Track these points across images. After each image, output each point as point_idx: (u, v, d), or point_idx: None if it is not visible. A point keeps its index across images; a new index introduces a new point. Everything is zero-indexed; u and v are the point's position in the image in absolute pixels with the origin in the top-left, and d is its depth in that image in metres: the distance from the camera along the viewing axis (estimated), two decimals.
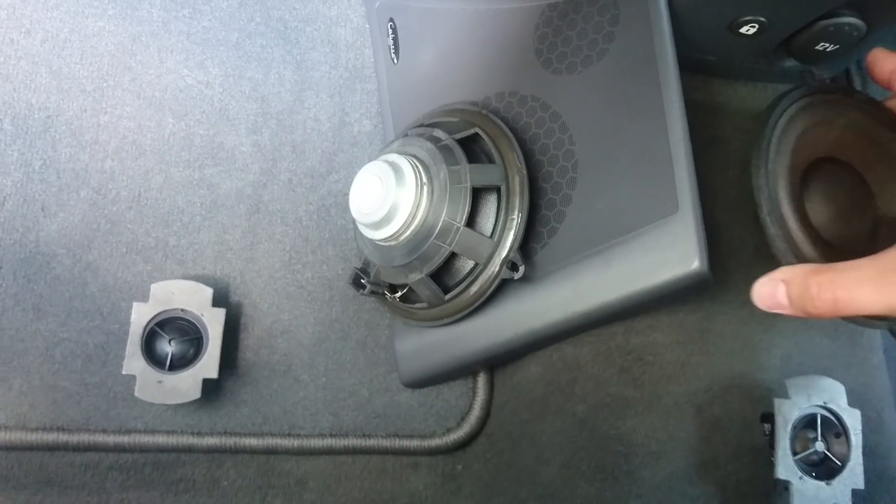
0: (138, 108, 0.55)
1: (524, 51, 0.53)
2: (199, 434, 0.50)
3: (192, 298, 0.49)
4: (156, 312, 0.48)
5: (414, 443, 0.53)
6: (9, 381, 0.49)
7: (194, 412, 0.51)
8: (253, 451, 0.51)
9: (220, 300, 0.51)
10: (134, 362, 0.47)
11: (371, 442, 0.53)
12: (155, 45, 0.56)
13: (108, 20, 0.55)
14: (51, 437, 0.48)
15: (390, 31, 0.58)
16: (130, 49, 0.55)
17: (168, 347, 0.49)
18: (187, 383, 0.48)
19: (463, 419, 0.53)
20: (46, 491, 0.48)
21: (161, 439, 0.50)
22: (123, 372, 0.47)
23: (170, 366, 0.48)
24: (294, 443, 0.51)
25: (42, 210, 0.52)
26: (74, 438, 0.49)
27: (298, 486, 0.52)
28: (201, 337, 0.49)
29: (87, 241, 0.52)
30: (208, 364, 0.48)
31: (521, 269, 0.45)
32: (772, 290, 0.36)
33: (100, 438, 0.49)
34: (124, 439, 0.49)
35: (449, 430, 0.53)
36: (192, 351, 0.49)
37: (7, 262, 0.50)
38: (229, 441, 0.50)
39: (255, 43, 0.58)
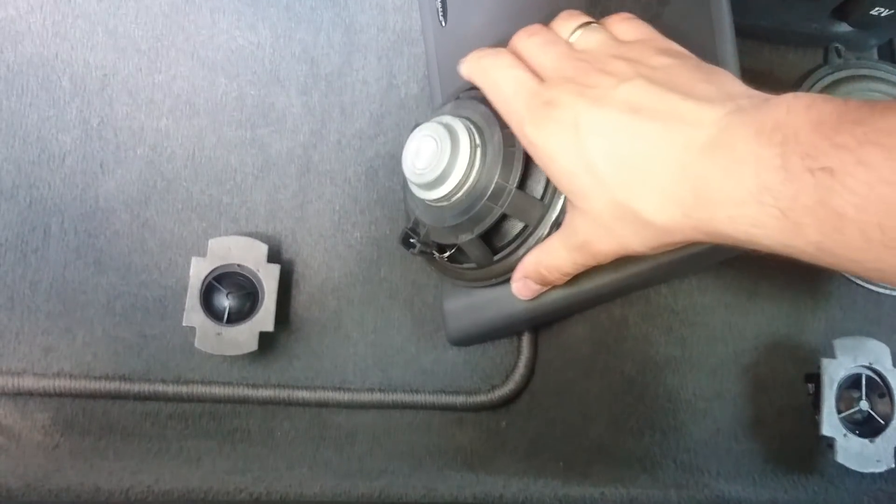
0: (191, 69, 0.56)
1: None
2: (254, 386, 0.52)
3: (248, 254, 0.50)
4: (213, 267, 0.50)
5: (460, 399, 0.54)
6: (73, 332, 0.50)
7: (249, 365, 0.53)
8: (305, 404, 0.53)
9: (273, 257, 0.52)
10: (193, 315, 0.49)
11: (418, 398, 0.54)
12: (207, 6, 0.56)
13: None
14: (113, 386, 0.50)
15: None
16: (184, 9, 0.56)
17: (225, 301, 0.50)
18: (244, 336, 0.49)
19: (508, 377, 0.55)
20: (109, 437, 0.50)
21: (218, 390, 0.51)
22: (184, 324, 0.48)
23: (227, 319, 0.50)
24: (345, 397, 0.53)
25: (101, 167, 0.53)
26: (135, 387, 0.50)
27: (348, 439, 0.53)
28: (257, 292, 0.50)
29: (144, 198, 0.53)
30: (264, 318, 0.49)
31: None
32: (524, 286, 0.45)
33: (160, 388, 0.50)
34: (183, 389, 0.51)
35: (494, 387, 0.55)
36: (248, 305, 0.51)
37: (69, 217, 0.52)
38: (283, 394, 0.52)
39: (305, 5, 0.59)
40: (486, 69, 0.41)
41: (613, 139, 0.33)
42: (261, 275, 0.50)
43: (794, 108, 0.28)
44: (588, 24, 0.40)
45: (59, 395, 0.50)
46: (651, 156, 0.31)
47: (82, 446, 0.49)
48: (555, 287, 0.49)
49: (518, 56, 0.40)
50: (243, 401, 0.52)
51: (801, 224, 0.26)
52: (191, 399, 0.51)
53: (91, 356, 0.50)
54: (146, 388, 0.50)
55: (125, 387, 0.50)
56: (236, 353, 0.49)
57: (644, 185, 0.32)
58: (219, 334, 0.49)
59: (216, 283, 0.50)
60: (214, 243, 0.50)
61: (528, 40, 0.40)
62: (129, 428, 0.51)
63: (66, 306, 0.51)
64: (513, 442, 0.54)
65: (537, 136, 0.36)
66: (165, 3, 0.56)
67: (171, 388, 0.51)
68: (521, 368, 0.54)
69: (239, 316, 0.50)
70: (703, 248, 0.44)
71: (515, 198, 0.45)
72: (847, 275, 0.47)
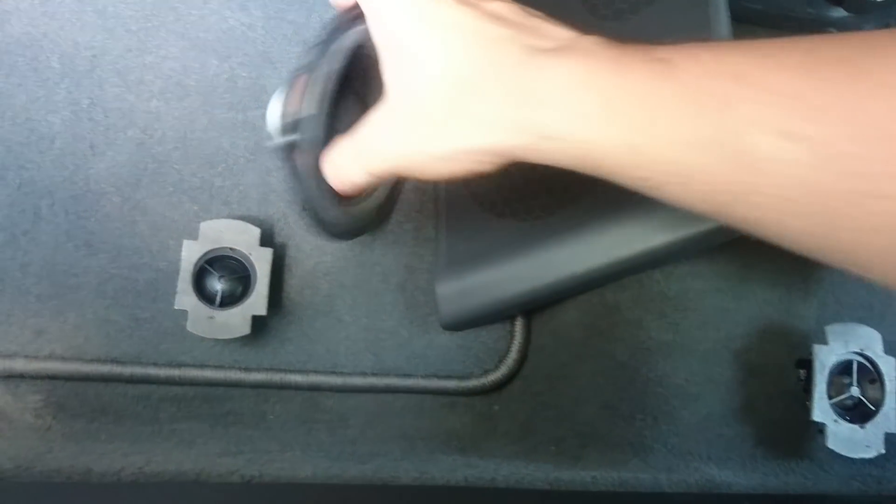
0: (182, 49, 0.55)
1: None
2: (246, 369, 0.52)
3: (241, 237, 0.50)
4: (205, 250, 0.49)
5: (452, 383, 0.54)
6: (64, 315, 0.50)
7: (242, 348, 0.52)
8: (298, 388, 0.53)
9: (265, 241, 0.52)
10: (185, 298, 0.48)
11: (410, 382, 0.54)
12: None
13: None
14: (105, 369, 0.50)
15: None
16: None
17: (218, 285, 0.50)
18: (237, 319, 0.49)
19: (500, 361, 0.55)
20: (101, 420, 0.50)
21: (210, 373, 0.51)
22: (175, 307, 0.48)
23: (220, 302, 0.49)
24: (337, 381, 0.53)
25: (91, 148, 0.52)
26: (128, 370, 0.50)
27: (340, 422, 0.53)
28: (249, 275, 0.50)
29: (135, 180, 0.53)
30: (257, 302, 0.49)
31: None
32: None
33: (152, 371, 0.50)
34: (175, 372, 0.51)
35: (486, 372, 0.55)
36: (240, 289, 0.50)
37: (59, 199, 0.51)
38: (275, 377, 0.52)
39: None
40: None
41: (468, 38, 0.30)
42: (253, 258, 0.50)
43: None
44: None
45: (51, 377, 0.50)
46: (500, 56, 0.30)
47: (74, 428, 0.49)
48: (549, 269, 0.49)
49: None
50: (236, 384, 0.52)
51: (618, 111, 0.26)
52: (183, 382, 0.51)
53: (83, 339, 0.50)
54: (138, 371, 0.50)
55: (117, 370, 0.50)
56: (228, 336, 0.48)
57: (484, 84, 0.30)
58: (211, 318, 0.48)
59: (208, 267, 0.50)
60: (206, 226, 0.50)
61: None
62: (121, 410, 0.51)
63: (56, 289, 0.51)
64: (505, 426, 0.54)
65: (405, 19, 0.31)
66: None
67: (163, 372, 0.50)
68: (513, 353, 0.54)
69: (231, 299, 0.50)
70: (697, 230, 0.44)
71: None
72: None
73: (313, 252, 0.55)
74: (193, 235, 0.50)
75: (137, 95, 0.54)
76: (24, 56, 0.52)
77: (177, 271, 0.50)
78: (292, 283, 0.54)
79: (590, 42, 0.29)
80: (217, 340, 0.52)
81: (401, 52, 0.31)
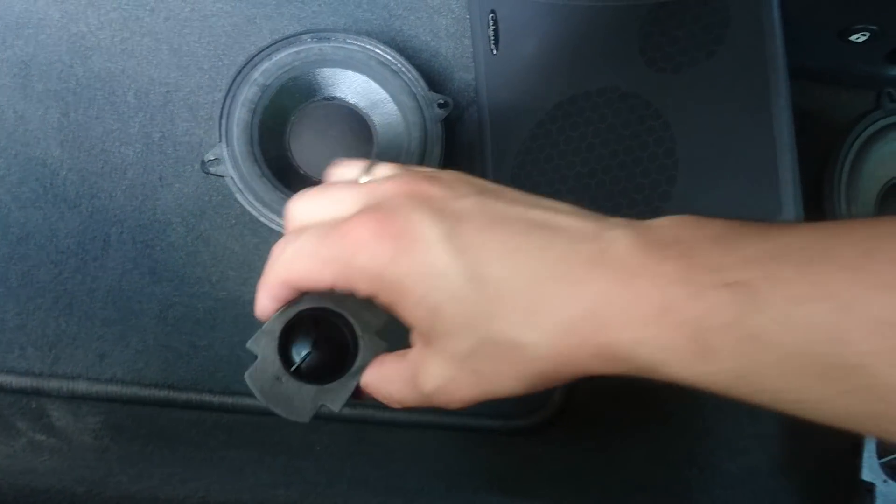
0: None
1: (628, 48, 0.54)
2: None
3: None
4: (320, 306, 0.34)
5: (497, 422, 0.55)
6: (127, 339, 0.52)
7: None
8: (346, 420, 0.54)
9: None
10: (263, 340, 0.32)
11: (456, 419, 0.55)
12: (268, 27, 0.58)
13: (225, 2, 0.58)
14: (162, 394, 0.51)
15: (491, 22, 0.60)
16: (245, 30, 0.58)
17: (307, 348, 0.34)
18: (302, 400, 0.34)
19: (546, 402, 0.55)
20: (156, 443, 0.51)
21: (261, 403, 0.52)
22: (247, 346, 0.34)
23: (296, 369, 0.34)
24: (384, 415, 0.54)
25: (160, 180, 0.55)
26: (183, 396, 0.52)
27: (386, 456, 0.54)
28: (348, 358, 0.35)
29: (199, 212, 0.55)
30: (336, 394, 0.33)
31: None
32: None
33: (206, 398, 0.52)
34: (228, 400, 0.52)
35: (531, 412, 0.55)
36: (328, 367, 0.35)
37: (127, 228, 0.54)
38: (324, 410, 0.53)
39: (361, 29, 0.60)
40: (275, 261, 0.32)
41: (481, 256, 0.26)
42: (362, 343, 0.35)
43: (684, 223, 0.26)
44: (372, 163, 0.33)
45: (111, 400, 0.51)
46: (532, 274, 0.26)
47: (130, 451, 0.51)
48: None
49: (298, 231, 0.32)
50: None
51: (712, 348, 0.23)
52: (235, 410, 0.52)
53: (143, 363, 0.52)
54: (193, 397, 0.52)
55: (173, 395, 0.51)
56: (281, 412, 0.34)
57: (528, 310, 0.26)
58: (277, 379, 0.34)
59: (311, 323, 0.35)
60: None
61: (304, 203, 0.32)
62: (175, 435, 0.52)
63: (121, 314, 0.52)
64: (549, 468, 0.54)
65: (379, 264, 0.27)
66: (228, 23, 0.58)
67: (217, 399, 0.52)
68: (558, 394, 0.55)
69: (314, 373, 0.34)
70: None
71: None
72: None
73: None
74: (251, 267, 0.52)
75: (206, 131, 0.56)
76: (102, 90, 0.55)
77: (234, 301, 0.52)
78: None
79: (628, 245, 0.25)
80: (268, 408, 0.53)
81: (411, 305, 0.28)
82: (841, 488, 0.48)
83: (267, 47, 0.52)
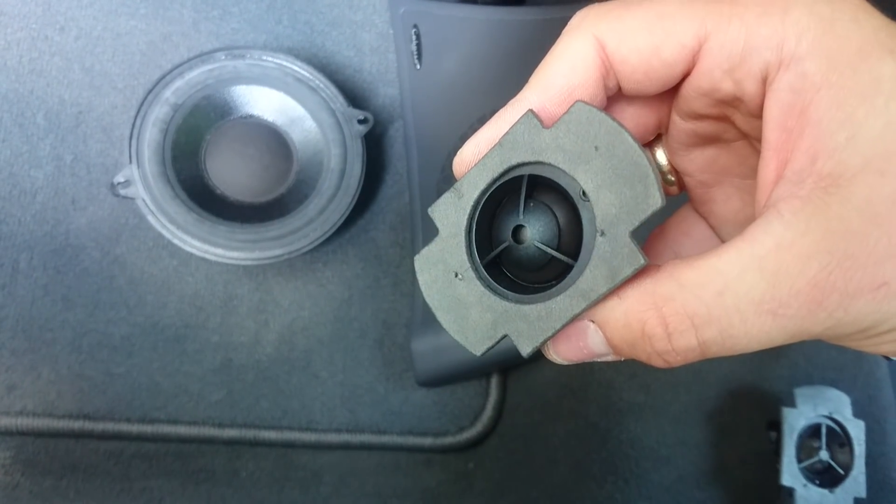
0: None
1: None
2: (219, 426, 0.52)
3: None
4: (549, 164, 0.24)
5: (427, 440, 0.54)
6: (37, 370, 0.50)
7: (215, 405, 0.52)
8: (271, 444, 0.52)
9: (240, 293, 0.52)
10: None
11: (386, 439, 0.54)
12: (185, 44, 0.57)
13: (139, 19, 0.56)
14: (76, 425, 0.50)
15: (414, 37, 0.60)
16: (161, 48, 0.57)
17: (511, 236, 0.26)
18: (482, 316, 0.23)
19: (476, 419, 0.55)
20: (71, 477, 0.50)
21: (183, 430, 0.51)
22: (428, 211, 0.24)
23: (489, 263, 0.25)
24: (311, 437, 0.53)
25: (72, 203, 0.53)
26: (99, 427, 0.50)
27: (314, 479, 0.53)
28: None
29: (115, 235, 0.53)
30: (541, 321, 0.23)
31: None
32: (577, 338, 0.22)
33: (124, 427, 0.50)
34: (147, 429, 0.50)
35: (462, 429, 0.55)
36: (540, 272, 0.26)
37: (38, 254, 0.52)
38: (248, 434, 0.52)
39: (282, 45, 0.59)
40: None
41: None
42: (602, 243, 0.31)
43: None
44: None
45: (21, 433, 0.49)
46: None
47: (42, 486, 0.49)
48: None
49: None
50: (209, 440, 0.51)
51: None
52: (155, 439, 0.51)
53: (55, 394, 0.50)
54: (110, 427, 0.50)
55: (89, 426, 0.50)
56: (446, 323, 0.24)
57: None
58: (457, 275, 0.23)
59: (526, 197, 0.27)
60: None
61: None
62: (92, 468, 0.50)
63: (31, 343, 0.51)
64: (480, 484, 0.54)
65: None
66: (143, 42, 0.56)
67: (135, 428, 0.50)
68: (488, 410, 0.54)
69: (511, 278, 0.26)
70: None
71: None
72: None
73: (291, 307, 0.55)
74: (171, 291, 0.51)
75: (121, 151, 0.55)
76: (9, 112, 0.53)
77: (154, 325, 0.51)
78: (269, 338, 0.54)
79: None
80: (191, 396, 0.52)
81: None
82: (765, 494, 0.49)
83: (179, 66, 0.51)
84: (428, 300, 0.23)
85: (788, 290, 0.18)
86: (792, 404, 0.47)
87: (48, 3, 0.55)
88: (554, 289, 0.21)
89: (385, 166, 0.60)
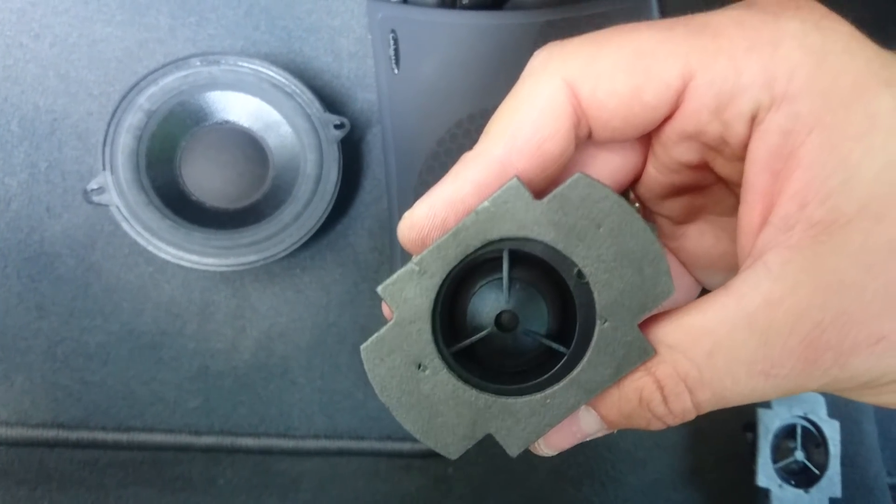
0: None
1: (522, 66, 0.54)
2: (196, 433, 0.51)
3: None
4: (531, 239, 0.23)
5: (406, 446, 0.54)
6: (11, 379, 0.50)
7: (192, 412, 0.52)
8: (249, 451, 0.52)
9: (217, 299, 0.52)
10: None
11: (364, 444, 0.54)
12: (161, 51, 0.57)
13: (115, 26, 0.56)
14: (51, 434, 0.49)
15: (392, 41, 0.60)
16: (137, 55, 0.56)
17: (487, 321, 0.26)
18: (457, 415, 0.23)
19: None
20: (45, 486, 0.49)
21: (159, 438, 0.51)
22: (378, 290, 0.23)
23: (458, 352, 0.25)
24: (289, 444, 0.53)
25: (47, 211, 0.53)
26: (74, 435, 0.50)
27: (293, 486, 0.53)
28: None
29: (90, 242, 0.53)
30: (531, 418, 0.23)
31: None
32: (567, 428, 0.21)
33: (99, 436, 0.50)
34: (123, 437, 0.50)
35: None
36: (520, 359, 0.27)
37: (12, 262, 0.51)
38: (226, 441, 0.52)
39: (260, 51, 0.59)
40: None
41: None
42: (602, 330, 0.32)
43: None
44: None
45: None
46: None
47: (17, 496, 0.49)
48: None
49: None
50: (185, 448, 0.51)
51: None
52: (131, 447, 0.50)
53: (29, 403, 0.50)
54: (85, 435, 0.50)
55: (63, 434, 0.49)
56: (411, 426, 0.24)
57: None
58: (420, 367, 0.23)
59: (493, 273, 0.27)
60: None
61: None
62: (67, 476, 0.50)
63: (5, 352, 0.50)
64: (459, 489, 0.54)
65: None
66: (119, 48, 0.56)
67: (110, 436, 0.50)
68: None
69: (487, 367, 0.26)
70: None
71: None
72: None
73: (269, 313, 0.55)
74: (146, 298, 0.50)
75: (96, 158, 0.54)
76: None
77: (130, 332, 0.51)
78: (246, 344, 0.54)
79: None
80: (167, 403, 0.51)
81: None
82: (742, 495, 0.49)
83: (152, 72, 0.51)
84: (384, 398, 0.20)
85: (780, 349, 0.18)
86: (767, 405, 0.47)
87: (23, 9, 0.55)
88: (544, 379, 0.19)
89: (363, 171, 0.59)
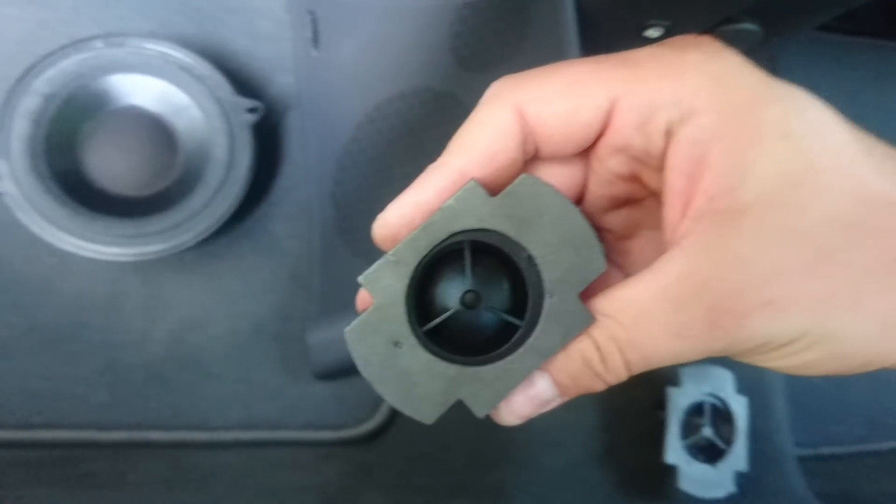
0: None
1: (440, 48, 0.53)
2: (103, 429, 0.50)
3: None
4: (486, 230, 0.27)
5: (326, 434, 0.53)
6: None
7: (99, 407, 0.50)
8: (161, 446, 0.51)
9: (127, 290, 0.50)
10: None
11: (283, 434, 0.53)
12: (65, 32, 0.54)
13: (13, 5, 0.54)
14: None
15: (310, 23, 0.58)
16: (39, 36, 0.54)
17: (454, 301, 0.26)
18: (430, 384, 0.24)
19: (375, 410, 0.54)
20: None
21: (64, 435, 0.49)
22: (359, 280, 0.23)
23: (430, 330, 0.26)
24: (204, 436, 0.51)
25: None
26: None
27: (208, 480, 0.52)
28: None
29: None
30: (495, 383, 0.24)
31: None
32: (526, 394, 0.24)
33: None
34: (24, 435, 0.48)
35: (361, 421, 0.54)
36: (484, 333, 0.27)
37: None
38: (136, 436, 0.50)
39: (172, 33, 0.57)
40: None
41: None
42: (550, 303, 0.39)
43: None
44: None
45: None
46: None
47: None
48: None
49: None
50: (92, 445, 0.50)
51: None
52: (34, 445, 0.49)
53: None
54: None
55: None
56: (390, 397, 0.24)
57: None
58: (397, 344, 0.23)
59: (460, 261, 0.28)
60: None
61: None
62: None
63: None
64: (380, 475, 0.53)
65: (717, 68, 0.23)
66: (19, 29, 0.54)
67: (10, 434, 0.48)
68: (387, 402, 0.54)
69: (456, 342, 0.27)
70: None
71: None
72: None
73: (182, 303, 0.53)
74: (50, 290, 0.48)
75: None
76: None
77: (31, 327, 0.49)
78: (158, 335, 0.53)
79: None
80: (73, 399, 0.50)
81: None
82: (654, 472, 0.50)
83: (50, 54, 0.49)
84: (366, 374, 0.23)
85: (689, 314, 0.21)
86: (676, 383, 0.48)
87: None
88: (503, 349, 0.23)
89: (282, 157, 0.58)
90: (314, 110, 0.58)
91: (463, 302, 0.24)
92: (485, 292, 0.24)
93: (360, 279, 0.23)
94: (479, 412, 0.23)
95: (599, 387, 0.24)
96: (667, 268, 0.22)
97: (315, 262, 0.55)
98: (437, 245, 0.23)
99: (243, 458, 0.53)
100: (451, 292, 0.24)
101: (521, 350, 0.22)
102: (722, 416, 0.48)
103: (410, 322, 0.22)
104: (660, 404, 0.49)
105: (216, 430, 0.52)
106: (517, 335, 0.23)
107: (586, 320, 0.22)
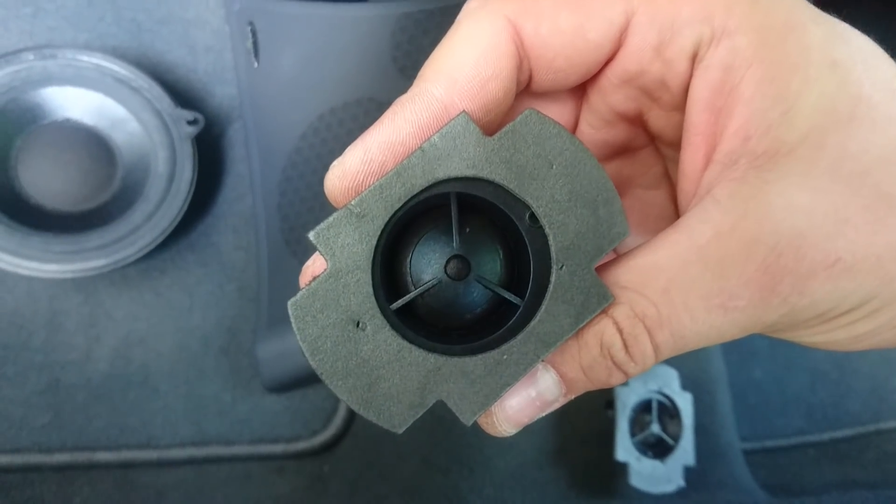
0: None
1: (381, 58, 0.54)
2: (47, 451, 0.48)
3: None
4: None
5: (279, 447, 0.53)
6: None
7: (41, 430, 0.49)
8: (108, 466, 0.50)
9: (68, 307, 0.49)
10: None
11: (235, 449, 0.52)
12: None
13: None
14: None
15: (250, 34, 0.58)
16: None
17: (433, 270, 0.22)
18: (401, 380, 0.13)
19: (328, 421, 0.54)
20: None
21: (3, 459, 0.47)
22: (309, 236, 0.21)
23: (401, 309, 0.16)
24: (153, 455, 0.50)
25: None
26: None
27: (158, 499, 0.50)
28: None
29: None
30: (486, 378, 0.21)
31: None
32: (526, 394, 0.19)
33: None
34: None
35: (315, 433, 0.54)
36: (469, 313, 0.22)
37: None
38: (81, 457, 0.49)
39: (107, 45, 0.56)
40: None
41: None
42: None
43: None
44: None
45: None
46: None
47: None
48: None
49: None
50: (35, 468, 0.48)
51: None
52: None
53: None
54: None
55: None
56: (346, 397, 0.16)
57: None
58: (357, 324, 0.16)
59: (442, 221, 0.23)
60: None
61: None
62: None
63: None
64: (335, 486, 0.53)
65: None
66: None
67: None
68: (341, 412, 0.54)
69: (432, 324, 0.23)
70: None
71: None
72: None
73: (126, 319, 0.52)
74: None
75: None
76: None
77: None
78: (102, 353, 0.51)
79: None
80: (13, 420, 0.48)
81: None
82: (605, 470, 0.51)
83: None
84: (315, 363, 0.17)
85: (737, 279, 0.17)
86: (624, 382, 0.49)
87: None
88: (498, 335, 0.17)
89: (226, 168, 0.58)
90: (257, 121, 0.57)
91: (446, 271, 0.18)
92: (475, 259, 0.18)
93: (311, 235, 0.17)
94: (467, 417, 0.17)
95: (617, 380, 0.18)
96: (699, 225, 0.17)
97: (262, 274, 0.54)
98: (415, 196, 0.17)
99: (194, 475, 0.52)
100: (432, 258, 0.18)
101: (520, 336, 0.17)
102: (669, 412, 0.49)
103: (377, 295, 0.17)
104: (609, 403, 0.50)
105: (165, 448, 0.51)
106: (515, 317, 0.18)
107: (604, 299, 0.17)
